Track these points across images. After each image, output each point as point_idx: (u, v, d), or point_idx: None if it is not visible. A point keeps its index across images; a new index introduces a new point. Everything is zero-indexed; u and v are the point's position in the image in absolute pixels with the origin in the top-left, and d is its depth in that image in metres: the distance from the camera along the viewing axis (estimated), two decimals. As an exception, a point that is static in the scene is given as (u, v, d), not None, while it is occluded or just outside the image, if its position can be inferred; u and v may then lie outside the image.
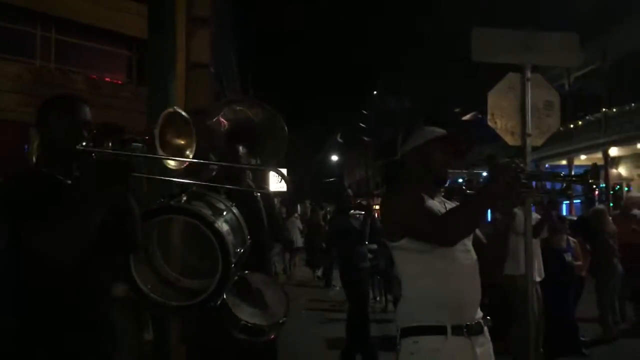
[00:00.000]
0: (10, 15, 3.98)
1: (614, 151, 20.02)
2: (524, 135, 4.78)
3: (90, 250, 1.89)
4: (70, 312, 2.00)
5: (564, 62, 5.20)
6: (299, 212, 21.11)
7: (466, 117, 28.90)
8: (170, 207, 2.67)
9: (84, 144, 2.03)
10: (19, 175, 2.06)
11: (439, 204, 2.53)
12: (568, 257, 6.63)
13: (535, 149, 4.94)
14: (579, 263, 6.86)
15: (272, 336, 3.43)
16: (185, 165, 2.26)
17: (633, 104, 18.50)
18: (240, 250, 2.94)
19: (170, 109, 2.20)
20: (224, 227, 2.83)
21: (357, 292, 6.59)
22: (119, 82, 4.36)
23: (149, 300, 2.78)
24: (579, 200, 17.45)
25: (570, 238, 6.86)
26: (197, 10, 5.15)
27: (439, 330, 2.35)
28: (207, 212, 2.82)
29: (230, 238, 2.83)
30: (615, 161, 20.77)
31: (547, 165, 22.11)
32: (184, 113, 2.25)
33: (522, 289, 4.81)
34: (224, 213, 2.95)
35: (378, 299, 10.31)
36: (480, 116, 26.14)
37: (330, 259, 13.89)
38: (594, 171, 2.79)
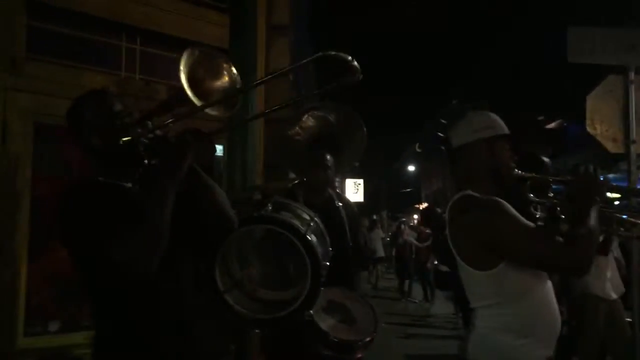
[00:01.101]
0: (97, 27, 4.08)
1: None
2: (627, 141, 4.40)
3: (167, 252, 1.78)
4: (153, 316, 1.91)
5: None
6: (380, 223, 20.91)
7: (551, 125, 27.70)
8: (261, 217, 2.56)
9: (124, 138, 1.86)
10: (75, 191, 1.92)
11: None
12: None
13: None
14: None
15: (360, 355, 3.28)
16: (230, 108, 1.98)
17: None
18: (325, 262, 2.82)
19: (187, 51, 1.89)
20: (312, 238, 2.72)
21: None
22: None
23: (234, 311, 2.71)
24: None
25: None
26: (277, 19, 5.15)
27: None
28: (297, 223, 2.71)
29: (319, 250, 2.71)
30: None
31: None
32: (206, 49, 1.96)
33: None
34: (311, 224, 2.83)
35: (461, 314, 9.92)
36: (565, 124, 24.95)
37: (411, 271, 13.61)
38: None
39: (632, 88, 4.39)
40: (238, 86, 1.99)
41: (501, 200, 2.10)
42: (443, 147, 2.46)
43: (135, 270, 1.68)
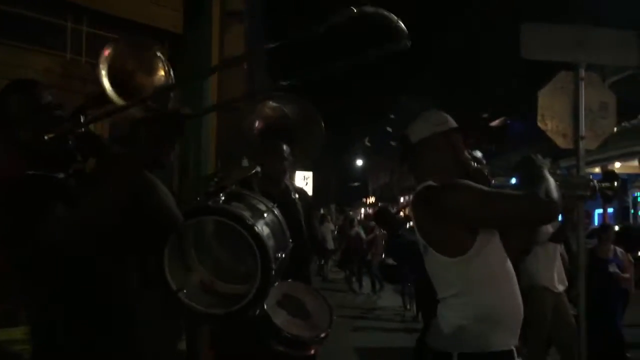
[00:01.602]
0: (40, 5, 3.85)
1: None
2: (576, 137, 4.48)
3: (114, 245, 1.72)
4: (101, 313, 1.81)
5: (622, 61, 4.86)
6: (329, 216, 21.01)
7: (494, 123, 28.39)
8: (209, 208, 2.45)
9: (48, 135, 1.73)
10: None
11: None
12: (613, 267, 6.30)
13: (588, 152, 4.64)
14: (627, 276, 6.50)
15: (313, 351, 3.21)
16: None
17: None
18: (281, 255, 2.73)
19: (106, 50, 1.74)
20: (264, 230, 2.62)
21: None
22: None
23: (185, 306, 2.59)
24: (612, 209, 16.93)
25: (618, 249, 6.51)
26: (231, 5, 5.01)
27: (509, 355, 2.08)
28: (247, 214, 2.61)
29: (271, 243, 2.62)
30: (651, 169, 20.16)
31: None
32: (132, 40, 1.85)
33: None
34: (265, 215, 2.73)
35: (408, 307, 10.04)
36: (509, 122, 25.61)
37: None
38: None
39: (582, 85, 4.46)
40: (170, 81, 1.84)
41: (461, 179, 2.16)
42: (400, 144, 2.47)
43: (69, 248, 1.60)
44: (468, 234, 2.09)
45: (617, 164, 20.53)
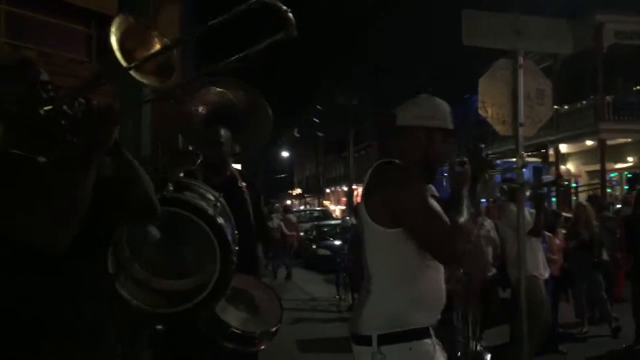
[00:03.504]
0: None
1: (563, 148, 20.45)
2: (516, 124, 4.56)
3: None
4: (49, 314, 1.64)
5: (556, 48, 4.99)
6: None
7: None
8: (164, 199, 2.26)
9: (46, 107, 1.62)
10: None
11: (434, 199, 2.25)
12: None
13: (527, 139, 4.73)
14: (555, 257, 6.73)
15: (262, 346, 3.06)
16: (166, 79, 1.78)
17: (584, 102, 18.96)
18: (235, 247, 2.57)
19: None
20: (219, 220, 2.45)
21: None
22: (77, 60, 3.92)
23: (131, 306, 2.38)
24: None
25: (546, 232, 6.73)
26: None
27: (426, 332, 2.15)
28: (204, 205, 2.44)
29: (229, 233, 2.46)
30: (565, 157, 21.25)
31: (497, 162, 22.33)
32: (134, 19, 1.76)
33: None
34: (217, 205, 2.56)
35: (343, 297, 10.04)
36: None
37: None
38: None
39: (521, 72, 4.53)
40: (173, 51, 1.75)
41: (420, 179, 2.22)
42: (384, 121, 2.49)
43: (39, 243, 1.48)
44: None
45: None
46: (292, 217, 16.49)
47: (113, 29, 1.59)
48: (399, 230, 2.12)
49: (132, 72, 1.61)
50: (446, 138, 2.35)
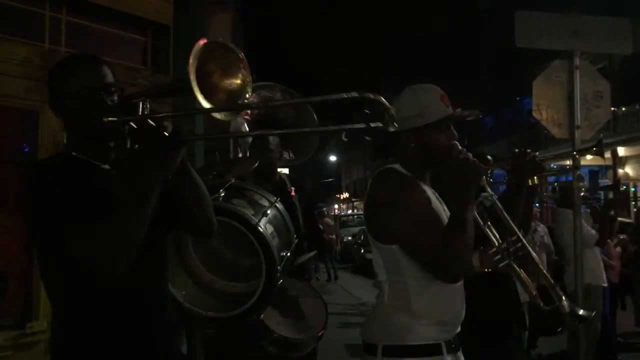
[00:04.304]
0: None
1: (621, 151, 19.73)
2: (572, 127, 4.42)
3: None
4: (115, 328, 1.59)
5: (616, 48, 4.81)
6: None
7: (467, 116, 28.55)
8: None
9: (110, 117, 1.53)
10: (45, 164, 1.66)
11: (435, 199, 2.14)
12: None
13: (584, 141, 4.57)
14: (613, 264, 6.49)
15: (308, 350, 3.08)
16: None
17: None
18: (286, 253, 2.58)
19: (203, 41, 1.52)
20: (268, 228, 2.47)
21: None
22: (134, 67, 4.03)
23: (183, 309, 2.43)
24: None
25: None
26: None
27: (436, 349, 2.03)
28: (249, 212, 2.45)
29: (275, 242, 2.47)
30: (623, 161, 20.48)
31: (552, 165, 21.79)
32: (224, 41, 1.60)
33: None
34: (268, 211, 2.57)
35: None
36: (481, 116, 25.73)
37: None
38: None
39: (577, 73, 4.40)
40: (249, 90, 1.61)
41: (418, 185, 2.08)
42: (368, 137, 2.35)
43: (99, 269, 1.38)
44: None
45: (588, 156, 20.87)
46: (329, 221, 16.70)
47: (191, 56, 1.46)
48: (396, 247, 2.03)
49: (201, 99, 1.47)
50: (442, 128, 2.10)
